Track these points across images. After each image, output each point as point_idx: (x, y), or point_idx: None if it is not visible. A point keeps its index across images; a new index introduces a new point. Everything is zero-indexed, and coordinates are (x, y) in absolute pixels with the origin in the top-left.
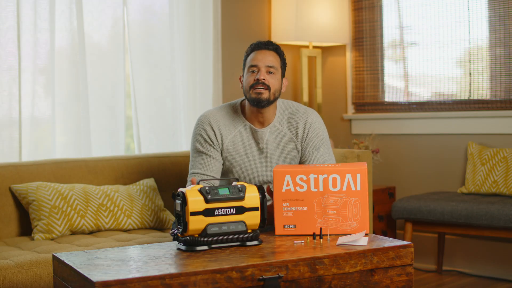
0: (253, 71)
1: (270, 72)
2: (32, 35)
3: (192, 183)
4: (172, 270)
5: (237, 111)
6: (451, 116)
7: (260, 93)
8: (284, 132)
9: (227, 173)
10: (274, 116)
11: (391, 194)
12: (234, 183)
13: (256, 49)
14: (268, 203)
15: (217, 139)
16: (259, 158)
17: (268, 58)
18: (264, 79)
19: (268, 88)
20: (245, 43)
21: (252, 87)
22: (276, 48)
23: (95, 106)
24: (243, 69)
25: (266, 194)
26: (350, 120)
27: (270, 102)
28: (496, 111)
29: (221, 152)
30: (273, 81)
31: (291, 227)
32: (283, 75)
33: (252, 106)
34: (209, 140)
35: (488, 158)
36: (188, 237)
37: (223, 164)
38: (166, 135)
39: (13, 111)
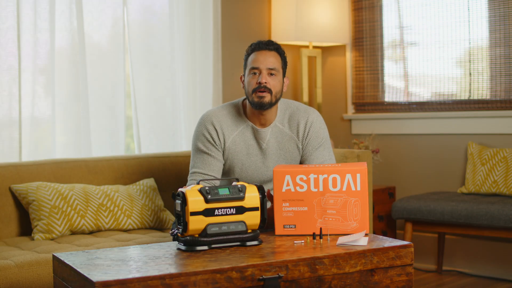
0: (255, 73)
1: (271, 74)
2: (32, 35)
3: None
4: (172, 270)
5: (239, 110)
6: (451, 116)
7: (262, 97)
8: (285, 132)
9: (228, 173)
10: (275, 116)
11: (391, 194)
12: (234, 183)
13: (257, 50)
14: (268, 206)
15: (219, 139)
16: (260, 158)
17: (269, 60)
18: (266, 83)
19: (270, 91)
20: (245, 43)
21: (254, 91)
22: (277, 48)
23: (95, 106)
24: (244, 69)
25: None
26: (350, 120)
27: (272, 104)
28: (496, 111)
29: (223, 152)
30: (274, 83)
31: (291, 227)
32: (284, 75)
33: (255, 109)
34: (211, 140)
35: (488, 158)
36: (188, 237)
37: (224, 164)
38: (166, 135)
39: (13, 111)
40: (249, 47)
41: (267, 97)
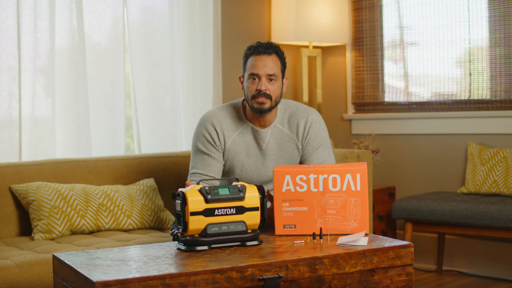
0: (254, 79)
1: (271, 79)
2: (32, 35)
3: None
4: (172, 270)
5: (239, 111)
6: (451, 116)
7: (262, 103)
8: (285, 132)
9: (228, 173)
10: (275, 117)
11: (391, 194)
12: (234, 183)
13: (256, 54)
14: (267, 207)
15: (219, 139)
16: (260, 158)
17: (268, 66)
18: (265, 90)
19: (269, 97)
20: (245, 43)
21: (254, 97)
22: (276, 51)
23: (95, 106)
24: (243, 71)
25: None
26: (350, 120)
27: (272, 108)
28: (496, 111)
29: (223, 152)
30: (274, 88)
31: (291, 227)
32: (283, 76)
33: (254, 113)
34: (211, 141)
35: (488, 158)
36: (188, 237)
37: (224, 165)
38: (166, 135)
39: (13, 111)
40: (247, 49)
41: (267, 104)
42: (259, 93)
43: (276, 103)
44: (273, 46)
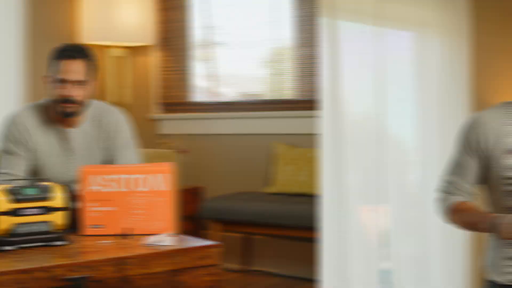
0: (61, 83)
1: (78, 84)
2: None
3: None
4: None
5: (45, 111)
6: (257, 116)
7: (68, 108)
8: (91, 132)
9: (36, 173)
10: (82, 117)
11: (199, 194)
12: (41, 183)
13: (63, 58)
14: (76, 207)
15: (26, 139)
16: (67, 158)
17: (75, 71)
18: (72, 96)
19: (76, 102)
20: (52, 43)
21: (60, 102)
22: (86, 55)
23: None
24: (49, 73)
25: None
26: (157, 120)
27: (78, 112)
28: (301, 111)
29: (30, 152)
30: (81, 93)
31: (99, 227)
32: (93, 78)
33: (60, 117)
34: (17, 140)
35: (293, 158)
36: None
37: (31, 165)
38: None
39: None
40: (55, 50)
41: (73, 109)
42: (66, 99)
43: (84, 106)
44: (82, 50)
